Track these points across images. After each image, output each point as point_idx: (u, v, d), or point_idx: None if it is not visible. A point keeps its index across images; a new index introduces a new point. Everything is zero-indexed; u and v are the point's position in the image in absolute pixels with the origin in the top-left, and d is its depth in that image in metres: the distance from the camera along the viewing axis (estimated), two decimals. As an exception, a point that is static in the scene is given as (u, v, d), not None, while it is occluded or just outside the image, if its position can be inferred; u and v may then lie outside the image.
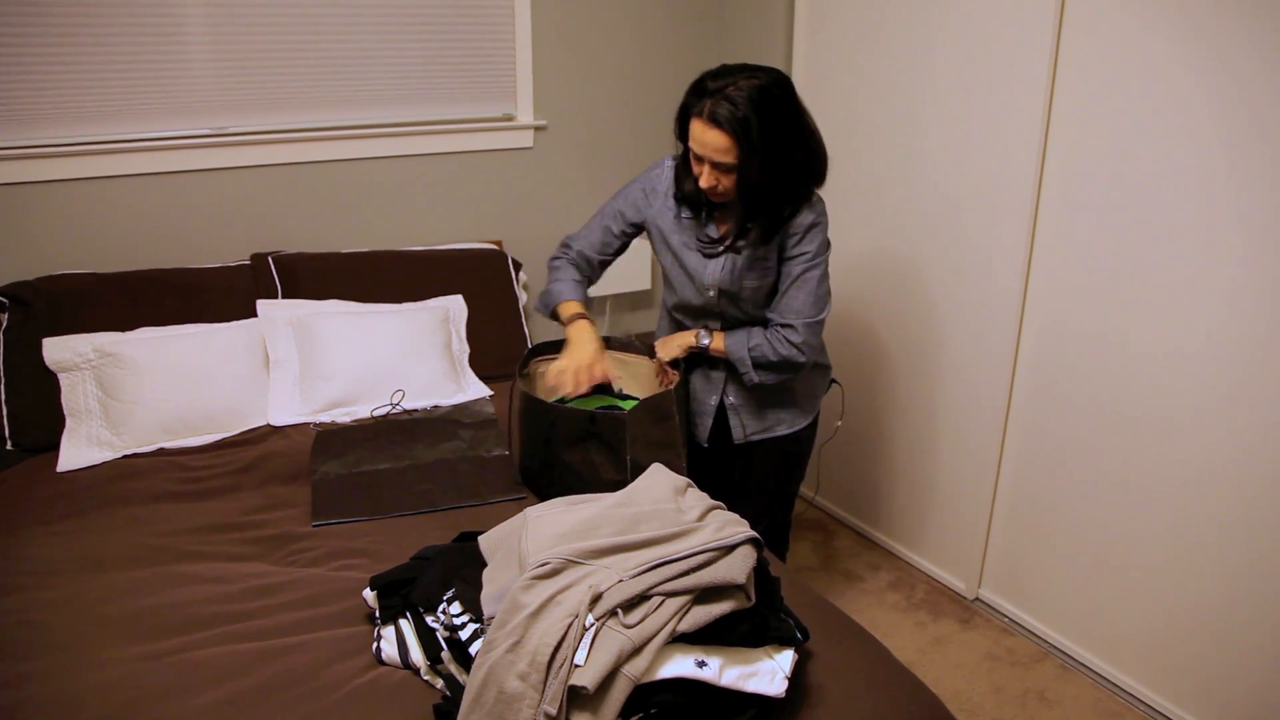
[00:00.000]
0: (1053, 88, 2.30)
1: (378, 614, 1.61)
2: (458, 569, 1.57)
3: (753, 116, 1.79)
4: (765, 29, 3.20)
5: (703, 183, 1.91)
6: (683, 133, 1.92)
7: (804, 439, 2.27)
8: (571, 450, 1.97)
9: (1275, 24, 1.87)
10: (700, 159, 1.89)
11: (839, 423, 2.82)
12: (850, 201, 2.92)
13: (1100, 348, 2.32)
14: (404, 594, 1.59)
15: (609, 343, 2.26)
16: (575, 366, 2.00)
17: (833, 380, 2.33)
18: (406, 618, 1.56)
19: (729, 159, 1.83)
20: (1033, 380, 2.51)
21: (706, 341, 2.11)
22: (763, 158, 1.83)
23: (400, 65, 2.95)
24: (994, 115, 2.44)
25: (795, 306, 2.01)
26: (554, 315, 2.17)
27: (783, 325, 2.03)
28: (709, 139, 1.83)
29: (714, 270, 2.06)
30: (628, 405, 2.07)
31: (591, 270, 2.25)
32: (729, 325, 2.15)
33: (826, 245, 2.02)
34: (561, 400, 2.08)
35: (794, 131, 1.88)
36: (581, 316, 2.11)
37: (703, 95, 1.84)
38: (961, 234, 2.59)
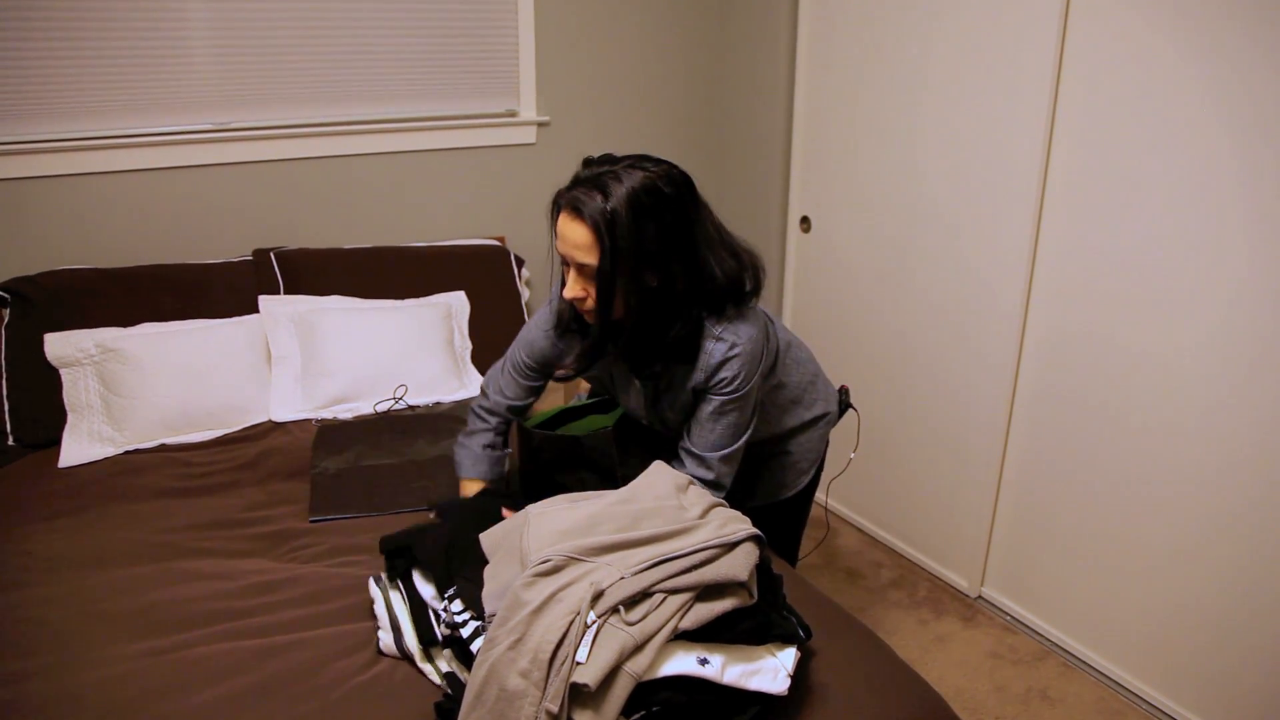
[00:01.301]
0: (1057, 91, 2.29)
1: (384, 575, 1.60)
2: (468, 532, 1.56)
3: (624, 211, 1.50)
4: (768, 23, 3.19)
5: (566, 292, 1.61)
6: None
7: (808, 492, 2.09)
8: (563, 473, 1.92)
9: (1275, 23, 1.86)
10: (566, 263, 1.61)
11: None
12: (854, 201, 2.91)
13: (1104, 347, 2.31)
14: (409, 555, 1.59)
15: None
16: None
17: (849, 405, 2.11)
18: (400, 589, 1.55)
19: (591, 259, 1.54)
20: (1036, 379, 2.51)
21: None
22: (631, 264, 1.53)
23: (403, 61, 2.94)
24: (998, 117, 2.43)
25: (709, 439, 1.72)
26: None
27: (695, 459, 1.74)
28: (570, 233, 1.55)
29: (635, 398, 1.83)
30: (620, 412, 2.02)
31: (517, 415, 1.96)
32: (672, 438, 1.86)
33: (748, 374, 1.67)
34: (548, 423, 2.02)
35: (678, 242, 1.57)
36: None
37: (575, 184, 1.57)
38: (966, 231, 2.59)
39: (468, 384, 2.69)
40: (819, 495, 3.27)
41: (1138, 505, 2.30)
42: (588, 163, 1.59)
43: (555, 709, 1.22)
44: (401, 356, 2.58)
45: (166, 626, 1.63)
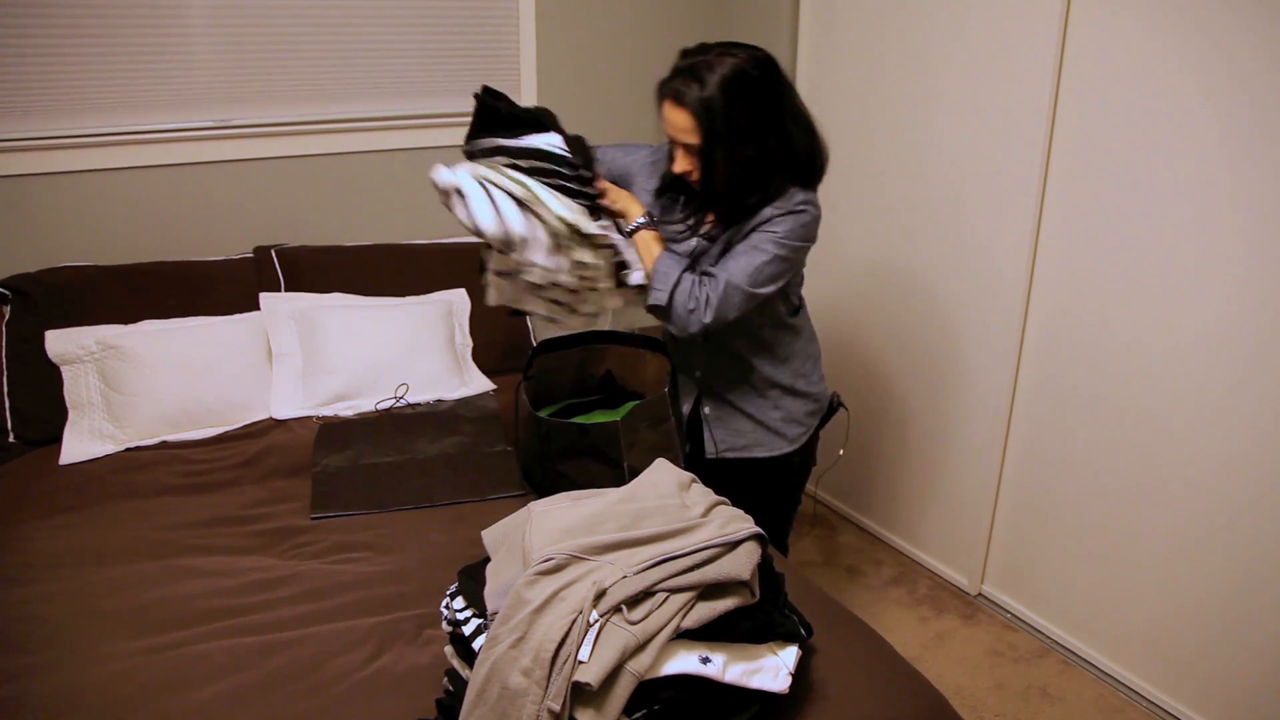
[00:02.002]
0: (1058, 84, 2.29)
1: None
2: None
3: (718, 97, 1.73)
4: (770, 22, 3.19)
5: (675, 167, 1.85)
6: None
7: (789, 467, 2.14)
8: (567, 463, 1.94)
9: (1275, 21, 1.87)
10: (674, 142, 1.84)
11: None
12: (855, 196, 2.91)
13: (1105, 343, 2.31)
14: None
15: (615, 337, 2.25)
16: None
17: (840, 404, 2.21)
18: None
19: (694, 140, 1.78)
20: (1037, 375, 2.51)
21: (636, 226, 1.92)
22: (727, 142, 1.76)
23: (403, 58, 2.94)
24: (999, 111, 2.43)
25: (730, 265, 1.85)
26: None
27: (709, 274, 1.87)
28: (674, 119, 1.78)
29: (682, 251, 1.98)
30: (628, 408, 2.04)
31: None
32: (708, 341, 2.05)
33: (796, 235, 1.86)
34: (559, 412, 2.04)
35: (768, 117, 1.79)
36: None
37: (675, 74, 1.79)
38: (966, 229, 2.59)
39: (469, 382, 2.68)
40: (819, 491, 3.28)
41: (1139, 502, 2.30)
42: (685, 53, 1.80)
43: (557, 708, 1.22)
44: (403, 354, 2.58)
45: (167, 623, 1.63)
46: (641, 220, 1.94)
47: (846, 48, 2.87)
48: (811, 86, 3.02)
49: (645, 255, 1.92)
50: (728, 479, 2.06)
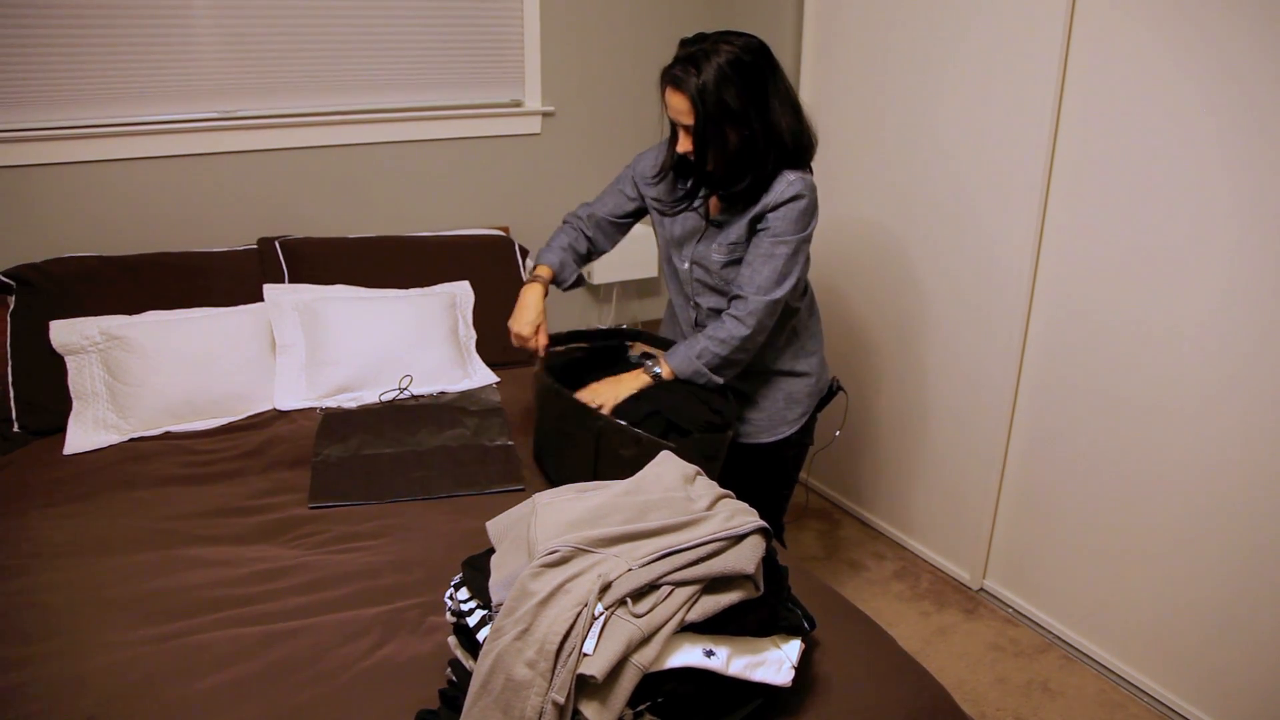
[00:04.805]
0: (1064, 77, 2.29)
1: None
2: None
3: (711, 80, 1.84)
4: (774, 14, 3.18)
5: (679, 148, 1.95)
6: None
7: (789, 447, 2.24)
8: (611, 468, 1.88)
9: (1271, 22, 1.88)
10: (676, 124, 1.95)
11: (838, 432, 2.75)
12: (861, 188, 2.91)
13: (1109, 337, 2.31)
14: None
15: (638, 336, 2.27)
16: (514, 330, 2.11)
17: (839, 388, 2.31)
18: None
19: (691, 120, 1.89)
20: (1040, 369, 2.50)
21: (658, 370, 2.05)
22: (718, 123, 1.87)
23: (408, 50, 2.94)
24: (1005, 105, 2.42)
25: (756, 280, 1.98)
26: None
27: (734, 298, 2.00)
28: (673, 102, 1.91)
29: (690, 243, 2.12)
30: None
31: (600, 231, 2.26)
32: (702, 319, 2.17)
33: (804, 226, 1.98)
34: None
35: (757, 102, 1.89)
36: (535, 280, 2.17)
37: (676, 62, 1.90)
38: (972, 222, 2.58)
39: (472, 374, 2.68)
40: (821, 485, 3.28)
41: (1141, 497, 2.30)
42: (684, 43, 1.92)
43: (562, 700, 1.22)
44: (406, 346, 2.58)
45: (170, 613, 1.63)
46: (657, 370, 2.05)
47: (851, 39, 2.86)
48: (815, 79, 3.01)
49: (667, 372, 2.05)
50: (732, 464, 2.15)
